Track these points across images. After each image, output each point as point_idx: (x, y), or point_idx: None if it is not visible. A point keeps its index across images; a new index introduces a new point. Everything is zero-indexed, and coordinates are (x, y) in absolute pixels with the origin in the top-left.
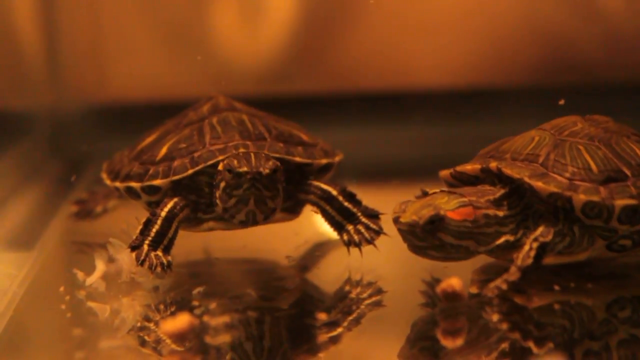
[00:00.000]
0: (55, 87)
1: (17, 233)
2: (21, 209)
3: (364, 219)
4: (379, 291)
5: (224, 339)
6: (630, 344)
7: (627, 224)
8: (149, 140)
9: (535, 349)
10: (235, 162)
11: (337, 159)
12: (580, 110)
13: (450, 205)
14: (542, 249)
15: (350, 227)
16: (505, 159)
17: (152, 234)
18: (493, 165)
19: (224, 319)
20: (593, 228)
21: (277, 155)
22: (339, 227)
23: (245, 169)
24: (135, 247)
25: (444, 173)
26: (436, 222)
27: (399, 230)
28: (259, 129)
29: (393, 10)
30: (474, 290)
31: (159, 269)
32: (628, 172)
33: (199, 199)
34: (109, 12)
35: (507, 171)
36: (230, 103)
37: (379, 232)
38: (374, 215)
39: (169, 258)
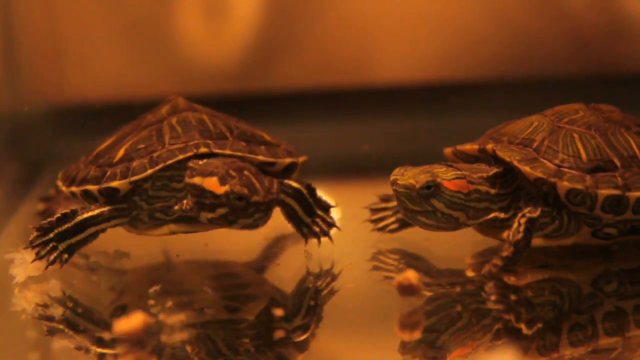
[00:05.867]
0: (14, 87)
1: None
2: None
3: (320, 212)
4: (334, 278)
5: (180, 337)
6: (615, 316)
7: (610, 213)
8: (105, 144)
9: (522, 326)
10: (246, 190)
11: (300, 159)
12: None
13: (448, 176)
14: (530, 224)
15: (308, 220)
16: (502, 141)
17: (63, 229)
18: (489, 146)
19: (180, 317)
20: (579, 215)
21: (239, 154)
22: (299, 222)
23: (257, 198)
24: (41, 230)
25: (447, 150)
26: (432, 188)
27: (395, 192)
28: (220, 128)
29: (358, 7)
30: (470, 273)
31: (53, 265)
32: (618, 163)
33: (156, 202)
34: (69, 11)
35: (500, 153)
36: (189, 104)
37: (332, 225)
38: (326, 208)
39: (66, 256)
